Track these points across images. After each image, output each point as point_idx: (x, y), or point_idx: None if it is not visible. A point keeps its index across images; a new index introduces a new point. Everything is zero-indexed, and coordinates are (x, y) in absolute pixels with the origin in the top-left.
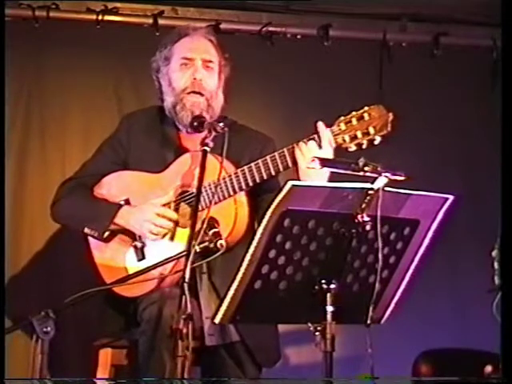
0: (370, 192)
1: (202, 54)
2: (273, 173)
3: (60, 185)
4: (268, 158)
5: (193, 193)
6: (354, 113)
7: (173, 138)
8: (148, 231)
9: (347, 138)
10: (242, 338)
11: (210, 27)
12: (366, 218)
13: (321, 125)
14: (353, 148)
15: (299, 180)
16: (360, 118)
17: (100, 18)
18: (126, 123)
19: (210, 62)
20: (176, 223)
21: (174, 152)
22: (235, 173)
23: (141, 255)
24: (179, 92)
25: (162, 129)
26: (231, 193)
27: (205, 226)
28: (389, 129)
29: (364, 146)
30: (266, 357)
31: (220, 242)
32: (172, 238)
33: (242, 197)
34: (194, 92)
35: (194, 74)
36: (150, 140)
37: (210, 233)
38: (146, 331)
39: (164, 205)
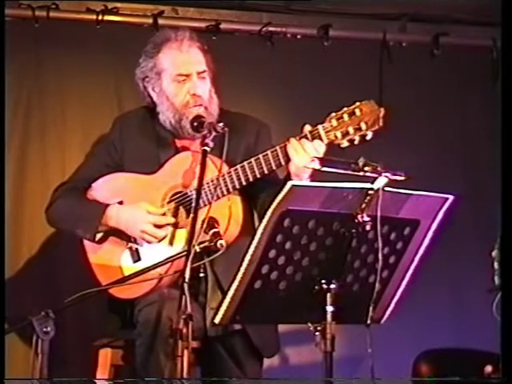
0: (370, 192)
1: (196, 67)
2: (266, 171)
3: (54, 189)
4: (261, 156)
5: (186, 193)
6: (345, 109)
7: (166, 138)
8: (141, 238)
9: (339, 135)
10: (243, 326)
11: (191, 30)
12: (366, 218)
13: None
14: (345, 144)
15: (290, 178)
16: (351, 114)
17: (100, 18)
18: (118, 125)
19: (204, 72)
20: (174, 226)
21: (168, 152)
22: (228, 172)
23: (136, 257)
24: (180, 108)
25: (155, 129)
26: (225, 192)
27: (204, 225)
28: (380, 124)
29: (356, 142)
30: (266, 345)
31: (220, 241)
32: (168, 239)
33: (237, 196)
34: (195, 106)
35: (192, 89)
36: (144, 141)
37: (210, 233)
38: (142, 333)
39: (152, 213)
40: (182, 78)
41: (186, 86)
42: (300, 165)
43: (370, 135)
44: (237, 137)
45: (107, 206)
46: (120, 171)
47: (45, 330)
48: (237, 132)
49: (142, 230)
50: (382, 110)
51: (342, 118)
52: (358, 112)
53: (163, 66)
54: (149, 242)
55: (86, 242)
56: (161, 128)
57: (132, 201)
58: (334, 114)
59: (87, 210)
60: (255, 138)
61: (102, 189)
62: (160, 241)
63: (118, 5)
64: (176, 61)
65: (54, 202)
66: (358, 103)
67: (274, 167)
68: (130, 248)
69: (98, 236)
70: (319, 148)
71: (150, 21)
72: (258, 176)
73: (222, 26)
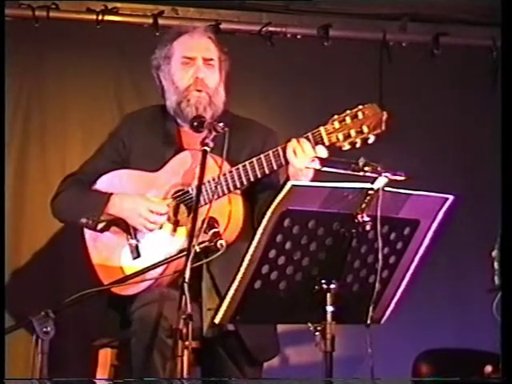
0: (370, 192)
1: (202, 53)
2: (267, 171)
3: (61, 180)
4: (262, 156)
5: (188, 191)
6: (348, 111)
7: (174, 137)
8: (142, 226)
9: (341, 137)
10: (236, 327)
11: (208, 25)
12: (366, 218)
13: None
14: (346, 147)
15: (290, 178)
16: (354, 117)
17: (100, 18)
18: (127, 122)
19: (211, 59)
20: (174, 223)
21: (175, 151)
22: (230, 171)
23: (136, 253)
24: (183, 90)
25: (163, 128)
26: (226, 191)
27: (205, 225)
28: (383, 128)
29: (358, 145)
30: (262, 349)
31: (220, 241)
32: (169, 237)
33: (237, 196)
34: (197, 90)
35: (196, 72)
36: (152, 139)
37: (210, 233)
38: (137, 332)
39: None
40: (187, 61)
41: (191, 70)
42: (299, 167)
43: (372, 139)
44: (242, 141)
45: (111, 194)
46: (126, 167)
47: (45, 330)
48: (243, 136)
49: (143, 216)
50: (385, 114)
51: (344, 120)
52: (360, 115)
53: (173, 50)
54: (150, 230)
55: (89, 242)
56: (168, 122)
57: None
58: (336, 117)
59: (91, 198)
60: (262, 144)
61: (107, 184)
62: (160, 228)
63: (118, 5)
64: (185, 45)
65: (59, 194)
66: (360, 106)
67: (275, 167)
68: (130, 245)
69: (100, 225)
70: (320, 151)
71: (150, 21)
72: (259, 176)
73: (222, 25)
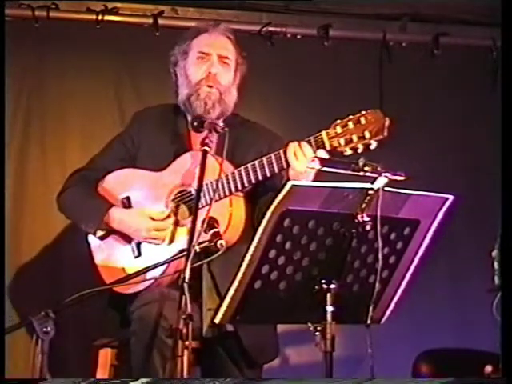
0: (370, 192)
1: (218, 50)
2: (268, 174)
3: (69, 175)
4: (264, 159)
5: (190, 191)
6: (350, 116)
7: (183, 137)
8: (143, 240)
9: (342, 142)
10: (235, 329)
11: (229, 25)
12: (366, 218)
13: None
14: (348, 152)
15: (290, 180)
16: (356, 122)
17: (100, 18)
18: (137, 120)
19: (226, 58)
20: (175, 223)
21: (183, 150)
22: (232, 173)
23: (137, 252)
24: (194, 84)
25: (172, 127)
26: (227, 192)
27: (205, 225)
28: (385, 134)
29: (360, 151)
30: (262, 351)
31: (220, 242)
32: (169, 237)
33: (239, 198)
34: (208, 85)
35: (209, 68)
36: (161, 138)
37: (210, 233)
38: (136, 331)
39: (155, 219)
40: (202, 56)
41: (205, 65)
42: (299, 170)
43: (374, 144)
44: (248, 145)
45: (111, 206)
46: (133, 165)
47: (45, 330)
48: (249, 140)
49: (146, 237)
50: (388, 120)
51: (346, 125)
52: (363, 120)
53: (191, 46)
54: (153, 244)
55: (92, 243)
56: (178, 121)
57: (139, 197)
58: (338, 121)
59: (92, 206)
60: (267, 149)
61: (113, 182)
62: (163, 240)
63: (118, 5)
64: (202, 42)
65: (66, 190)
66: (363, 111)
67: (276, 170)
68: (131, 244)
69: (100, 233)
70: (321, 155)
71: (150, 21)
72: (260, 178)
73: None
